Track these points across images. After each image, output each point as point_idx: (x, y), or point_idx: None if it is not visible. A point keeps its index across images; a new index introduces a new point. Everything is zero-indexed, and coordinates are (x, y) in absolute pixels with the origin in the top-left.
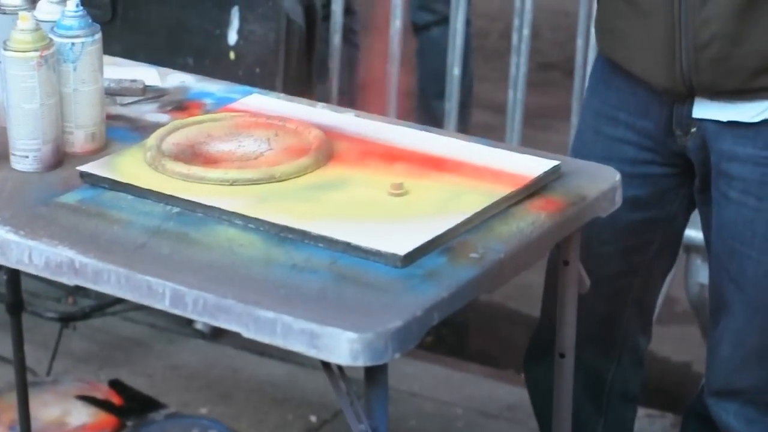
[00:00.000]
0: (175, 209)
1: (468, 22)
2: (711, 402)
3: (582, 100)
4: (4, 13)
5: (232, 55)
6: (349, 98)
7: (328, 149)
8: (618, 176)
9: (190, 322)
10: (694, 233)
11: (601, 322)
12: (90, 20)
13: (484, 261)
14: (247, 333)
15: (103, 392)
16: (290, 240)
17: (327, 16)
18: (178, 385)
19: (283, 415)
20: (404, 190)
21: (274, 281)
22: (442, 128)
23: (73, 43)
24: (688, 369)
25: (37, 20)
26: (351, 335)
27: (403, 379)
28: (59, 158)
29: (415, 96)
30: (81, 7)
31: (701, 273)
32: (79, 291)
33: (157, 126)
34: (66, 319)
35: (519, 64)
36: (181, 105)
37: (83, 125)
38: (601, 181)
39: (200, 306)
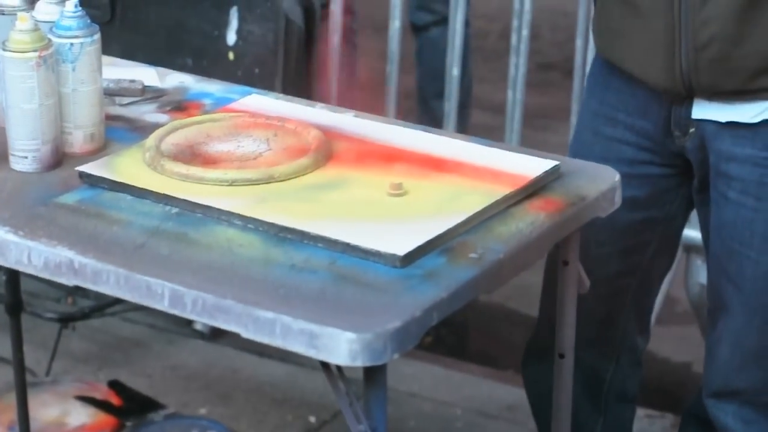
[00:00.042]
0: (174, 209)
1: (467, 23)
2: (709, 403)
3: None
4: (3, 14)
5: (231, 55)
6: (349, 98)
7: (327, 149)
8: (617, 176)
9: (189, 323)
10: (694, 233)
11: (599, 323)
12: (89, 20)
13: (483, 261)
14: (246, 333)
15: (103, 393)
16: (289, 240)
17: (326, 17)
18: (178, 386)
19: (283, 416)
20: (403, 191)
21: (273, 281)
22: (442, 128)
23: (71, 44)
24: (688, 369)
25: (35, 21)
26: (350, 335)
27: (403, 380)
28: (58, 158)
29: (414, 96)
30: (80, 8)
31: (701, 273)
32: (78, 291)
33: (156, 126)
34: (65, 320)
35: (518, 65)
36: (180, 105)
37: (82, 125)
38: (600, 182)
39: (199, 306)
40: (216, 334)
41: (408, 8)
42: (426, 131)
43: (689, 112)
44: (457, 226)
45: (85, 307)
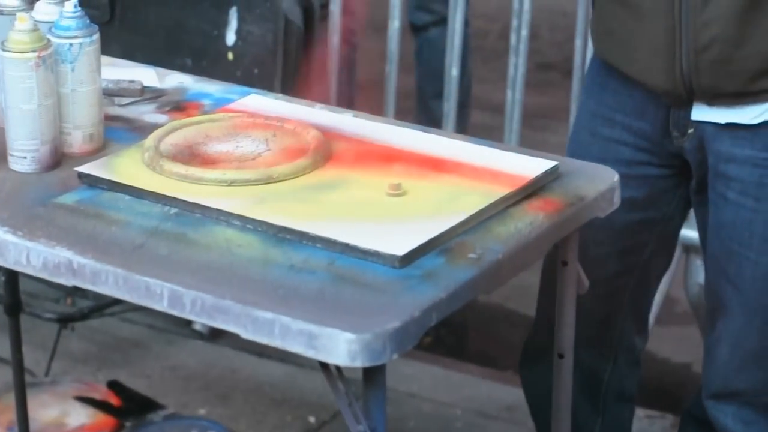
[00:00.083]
0: (173, 210)
1: (466, 23)
2: (709, 404)
3: None
4: (2, 14)
5: (230, 55)
6: (348, 99)
7: (327, 150)
8: (616, 177)
9: (188, 323)
10: (693, 234)
11: (597, 323)
12: (88, 21)
13: (482, 261)
14: (245, 334)
15: (102, 393)
16: (288, 240)
17: (325, 17)
18: (177, 386)
19: (282, 416)
20: (402, 191)
21: (272, 282)
22: (441, 129)
23: (71, 44)
24: (688, 370)
25: (34, 21)
26: (349, 336)
27: (402, 380)
28: (57, 159)
29: (413, 96)
30: (79, 8)
31: (701, 273)
32: (77, 292)
33: (155, 127)
34: (64, 320)
35: (517, 65)
36: (179, 105)
37: (81, 126)
38: (599, 182)
39: (198, 307)
40: (215, 335)
41: (407, 8)
42: (425, 131)
43: (688, 114)
44: (456, 227)
45: (84, 308)
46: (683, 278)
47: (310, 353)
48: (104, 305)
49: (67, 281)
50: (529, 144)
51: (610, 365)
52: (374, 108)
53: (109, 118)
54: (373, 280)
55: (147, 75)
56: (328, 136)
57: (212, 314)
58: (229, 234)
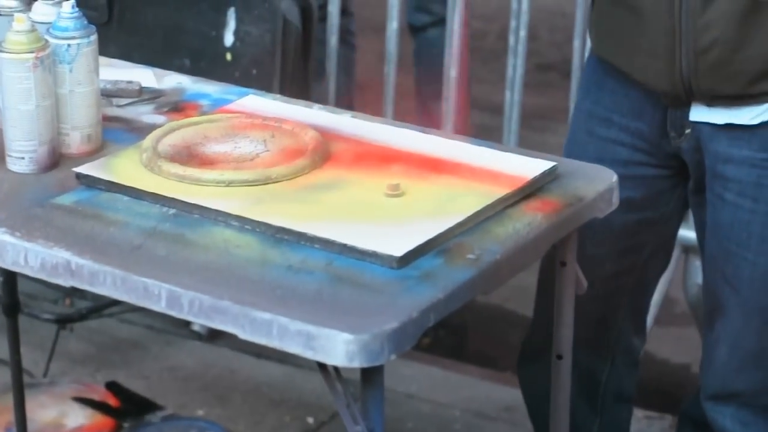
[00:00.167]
0: (172, 210)
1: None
2: (707, 405)
3: None
4: (0, 15)
5: (228, 56)
6: (347, 99)
7: (325, 150)
8: (615, 177)
9: (187, 324)
10: (692, 234)
11: (594, 324)
12: (86, 21)
13: (480, 262)
14: (243, 334)
15: (100, 394)
16: (286, 241)
17: (324, 17)
18: (175, 387)
19: (281, 417)
20: (401, 192)
21: (270, 282)
22: (440, 129)
23: (69, 45)
24: (687, 370)
25: (32, 21)
26: (347, 336)
27: (401, 381)
28: (55, 160)
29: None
30: (77, 9)
31: (700, 274)
32: (75, 292)
33: (153, 127)
34: (63, 321)
35: (516, 66)
36: (177, 106)
37: (79, 126)
38: (598, 182)
39: (196, 307)
40: (213, 335)
41: (406, 9)
42: (423, 132)
43: (686, 114)
44: (455, 227)
45: (83, 309)
46: (682, 279)
47: (308, 354)
48: (103, 306)
49: (65, 282)
50: (527, 145)
51: (608, 366)
52: (373, 109)
53: (107, 119)
54: (371, 281)
55: (145, 76)
56: (326, 136)
57: (210, 315)
58: (228, 234)
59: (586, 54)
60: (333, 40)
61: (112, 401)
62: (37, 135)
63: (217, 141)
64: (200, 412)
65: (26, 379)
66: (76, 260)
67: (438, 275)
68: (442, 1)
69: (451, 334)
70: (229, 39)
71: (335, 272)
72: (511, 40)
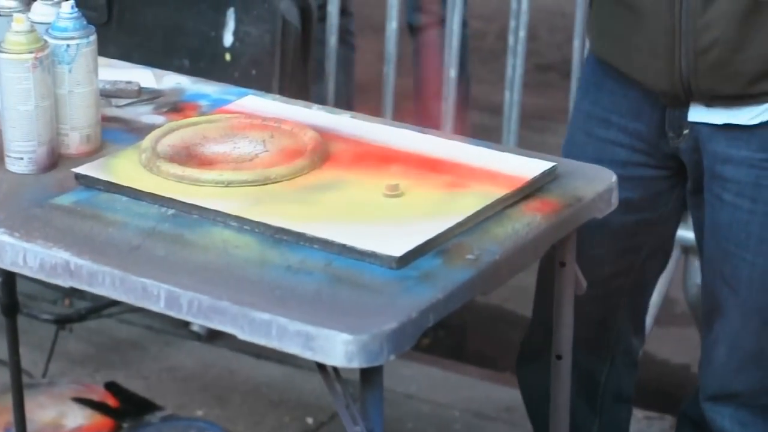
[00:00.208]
0: (170, 211)
1: (465, 24)
2: (706, 406)
3: None
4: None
5: (227, 56)
6: (346, 99)
7: (324, 151)
8: (614, 177)
9: (186, 324)
10: (692, 235)
11: (594, 324)
12: (85, 22)
13: (479, 262)
14: (242, 335)
15: (99, 394)
16: (285, 241)
17: (323, 18)
18: (174, 387)
19: (280, 418)
20: (400, 192)
21: (270, 283)
22: (439, 130)
23: (68, 45)
24: (687, 371)
25: (31, 22)
26: (346, 337)
27: (400, 382)
28: (54, 160)
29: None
30: (76, 9)
31: (699, 274)
32: (75, 293)
33: (152, 128)
34: (62, 321)
35: (515, 66)
36: (176, 107)
37: (78, 127)
38: (597, 183)
39: (195, 308)
40: (213, 336)
41: (405, 9)
42: (423, 132)
43: (684, 114)
44: (454, 228)
45: (82, 309)
46: (682, 279)
47: (307, 354)
48: (102, 306)
49: (64, 282)
50: (527, 145)
51: (607, 366)
52: (372, 109)
53: (106, 120)
54: (370, 281)
55: (144, 76)
56: (325, 137)
57: (209, 315)
58: (226, 235)
59: (586, 54)
60: (332, 40)
61: (111, 401)
62: (36, 135)
63: (216, 141)
64: (199, 413)
65: (25, 379)
66: (75, 260)
67: (437, 275)
68: (441, 1)
69: (451, 334)
70: (228, 39)
71: (334, 272)
72: (511, 40)
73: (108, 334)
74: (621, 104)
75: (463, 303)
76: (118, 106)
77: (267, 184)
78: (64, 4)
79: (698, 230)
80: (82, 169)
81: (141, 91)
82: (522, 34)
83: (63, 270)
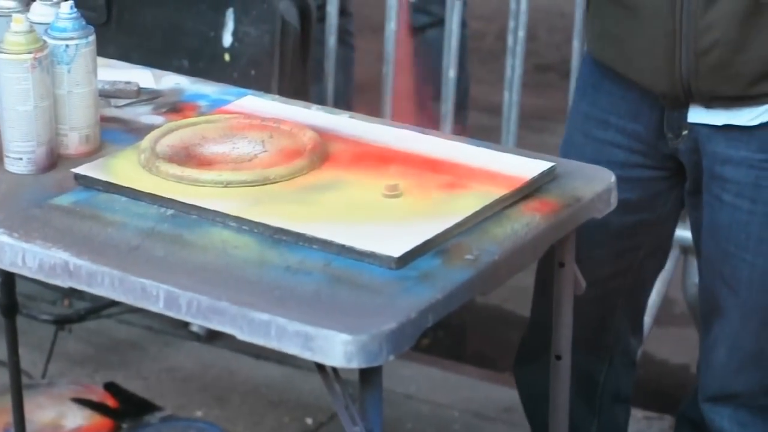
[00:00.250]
0: (169, 211)
1: (464, 24)
2: (705, 407)
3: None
4: None
5: (226, 57)
6: (345, 100)
7: (323, 151)
8: (613, 177)
9: (185, 325)
10: (690, 234)
11: (592, 325)
12: (84, 22)
13: (478, 263)
14: (241, 335)
15: (99, 395)
16: (284, 242)
17: (322, 18)
18: (174, 388)
19: (279, 418)
20: (399, 192)
21: (269, 283)
22: (438, 130)
23: (67, 45)
24: (687, 371)
25: (30, 22)
26: (345, 337)
27: (400, 382)
28: (53, 160)
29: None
30: (75, 9)
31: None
32: (74, 293)
33: (151, 128)
34: (61, 322)
35: (514, 66)
36: (175, 107)
37: (77, 127)
38: (596, 183)
39: (194, 308)
40: (212, 336)
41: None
42: (422, 133)
43: (683, 115)
44: (453, 228)
45: (81, 309)
46: (681, 279)
47: (306, 354)
48: (101, 307)
49: (63, 283)
50: (526, 145)
51: (606, 366)
52: (371, 109)
53: (105, 120)
54: (369, 282)
55: (143, 76)
56: (324, 137)
57: (208, 315)
58: (226, 235)
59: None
60: (331, 40)
61: (110, 402)
62: (35, 136)
63: (216, 142)
64: (199, 413)
65: (25, 380)
66: (74, 261)
67: (436, 276)
68: (440, 1)
69: (450, 334)
70: (227, 40)
71: (333, 273)
72: (510, 40)
73: (107, 334)
74: (619, 105)
75: (463, 303)
76: (117, 107)
77: (266, 184)
78: (63, 4)
79: (696, 231)
80: (81, 170)
81: (140, 91)
82: (521, 34)
83: (62, 270)
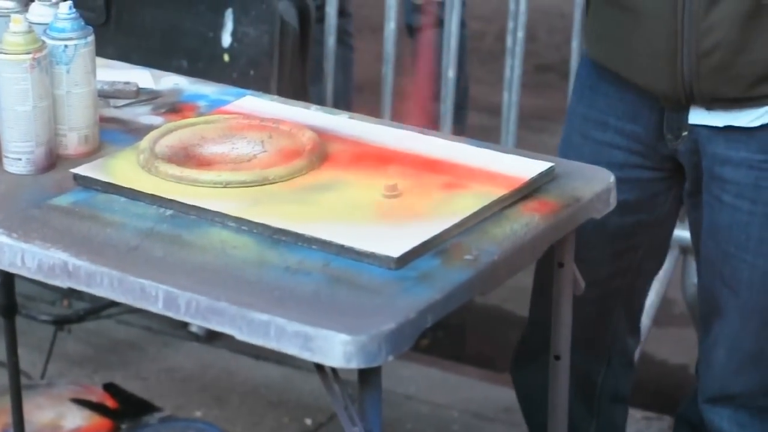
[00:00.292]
0: (169, 211)
1: (463, 24)
2: (704, 408)
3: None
4: None
5: (226, 57)
6: (344, 100)
7: (322, 151)
8: (612, 178)
9: (184, 325)
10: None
11: (590, 325)
12: (83, 22)
13: (477, 263)
14: (240, 335)
15: (98, 395)
16: (284, 242)
17: (321, 18)
18: (173, 388)
19: (279, 418)
20: (398, 192)
21: (268, 283)
22: (438, 130)
23: (66, 46)
24: (686, 371)
25: (29, 22)
26: (344, 337)
27: (399, 382)
28: (52, 161)
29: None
30: (74, 10)
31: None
32: (73, 294)
33: (150, 128)
34: (60, 322)
35: (513, 66)
36: (174, 107)
37: (76, 128)
38: (595, 183)
39: (193, 308)
40: (211, 337)
41: (404, 10)
42: (421, 133)
43: (684, 117)
44: (452, 228)
45: (80, 310)
46: (680, 280)
47: (305, 355)
48: (100, 307)
49: (63, 283)
50: (525, 146)
51: (604, 367)
52: (370, 109)
53: (104, 120)
54: (368, 282)
55: (142, 77)
56: (323, 137)
57: (207, 316)
58: (225, 235)
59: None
60: (330, 40)
61: (109, 402)
62: (34, 136)
63: (215, 142)
64: (198, 414)
65: (24, 380)
66: (73, 261)
67: (436, 276)
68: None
69: (450, 335)
70: (226, 40)
71: (333, 273)
72: (509, 41)
73: (106, 335)
74: (617, 107)
75: (462, 303)
76: (116, 107)
77: (265, 184)
78: (62, 4)
79: (695, 231)
80: (80, 170)
81: (139, 91)
82: (520, 35)
83: (61, 271)
